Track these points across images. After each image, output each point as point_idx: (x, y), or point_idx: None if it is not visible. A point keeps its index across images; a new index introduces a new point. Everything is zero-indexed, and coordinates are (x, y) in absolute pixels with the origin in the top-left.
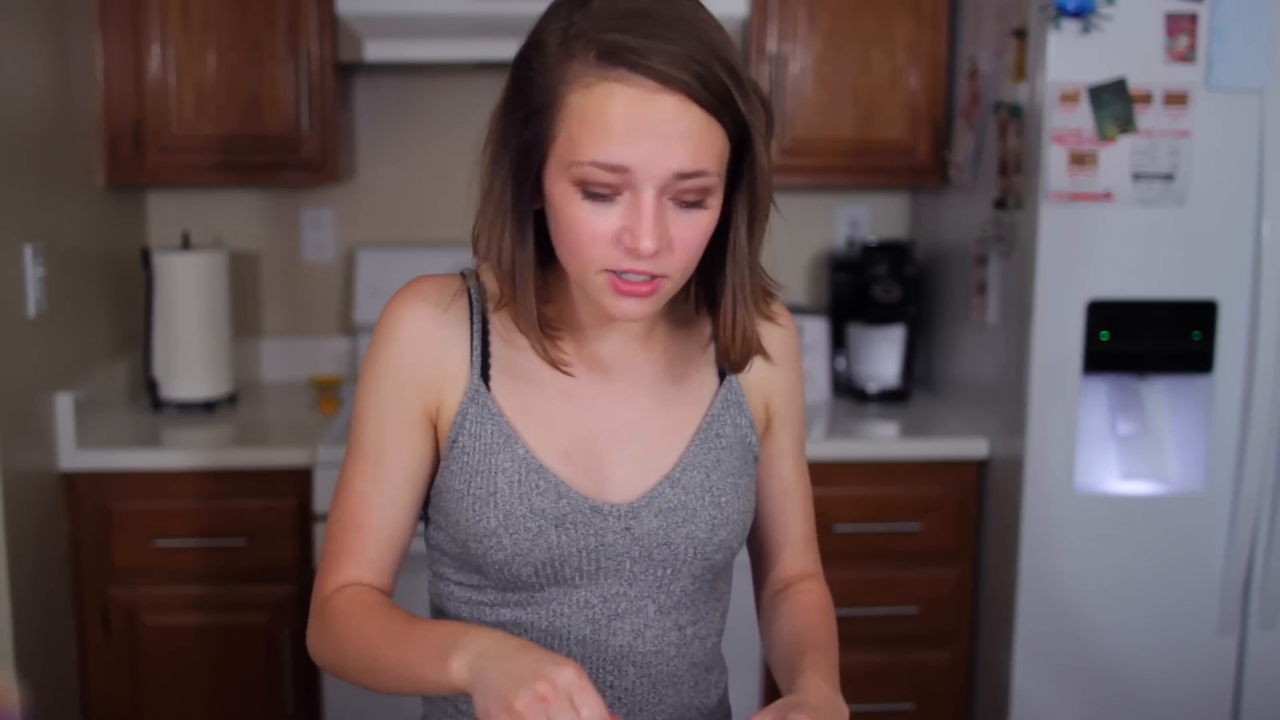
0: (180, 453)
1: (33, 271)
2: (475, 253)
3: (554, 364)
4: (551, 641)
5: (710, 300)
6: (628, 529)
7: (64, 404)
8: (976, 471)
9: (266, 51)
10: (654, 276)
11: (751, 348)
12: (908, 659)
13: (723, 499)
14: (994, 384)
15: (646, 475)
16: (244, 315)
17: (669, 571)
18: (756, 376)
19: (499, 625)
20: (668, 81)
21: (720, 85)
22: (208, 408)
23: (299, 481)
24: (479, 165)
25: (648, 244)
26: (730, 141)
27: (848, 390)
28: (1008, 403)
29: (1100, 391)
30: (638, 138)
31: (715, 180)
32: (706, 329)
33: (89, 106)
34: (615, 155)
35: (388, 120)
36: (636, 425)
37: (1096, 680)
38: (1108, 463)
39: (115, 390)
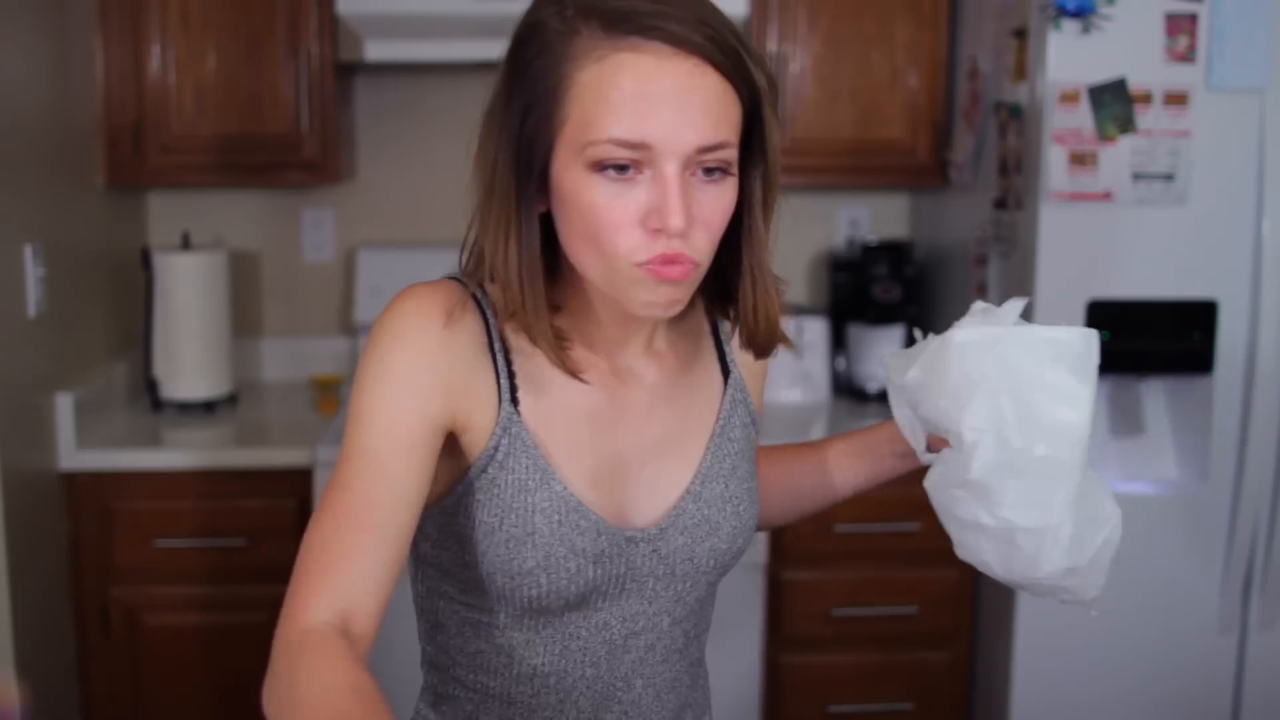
0: (180, 453)
1: (33, 271)
2: (464, 266)
3: (572, 372)
4: (564, 663)
5: (720, 293)
6: (655, 550)
7: (64, 404)
8: None
9: (266, 51)
10: (685, 261)
11: (776, 332)
12: (908, 659)
13: (741, 508)
14: None
15: (667, 492)
16: (244, 315)
17: (688, 585)
18: (752, 371)
19: (508, 646)
20: (682, 44)
21: (732, 48)
22: (208, 408)
23: (299, 481)
24: (474, 171)
25: (676, 221)
26: (743, 110)
27: (848, 390)
28: None
29: (1100, 391)
30: (657, 109)
31: (734, 153)
32: (705, 327)
33: (89, 107)
34: (634, 130)
35: (388, 120)
36: (657, 441)
37: (1096, 680)
38: (1108, 463)
39: (115, 390)
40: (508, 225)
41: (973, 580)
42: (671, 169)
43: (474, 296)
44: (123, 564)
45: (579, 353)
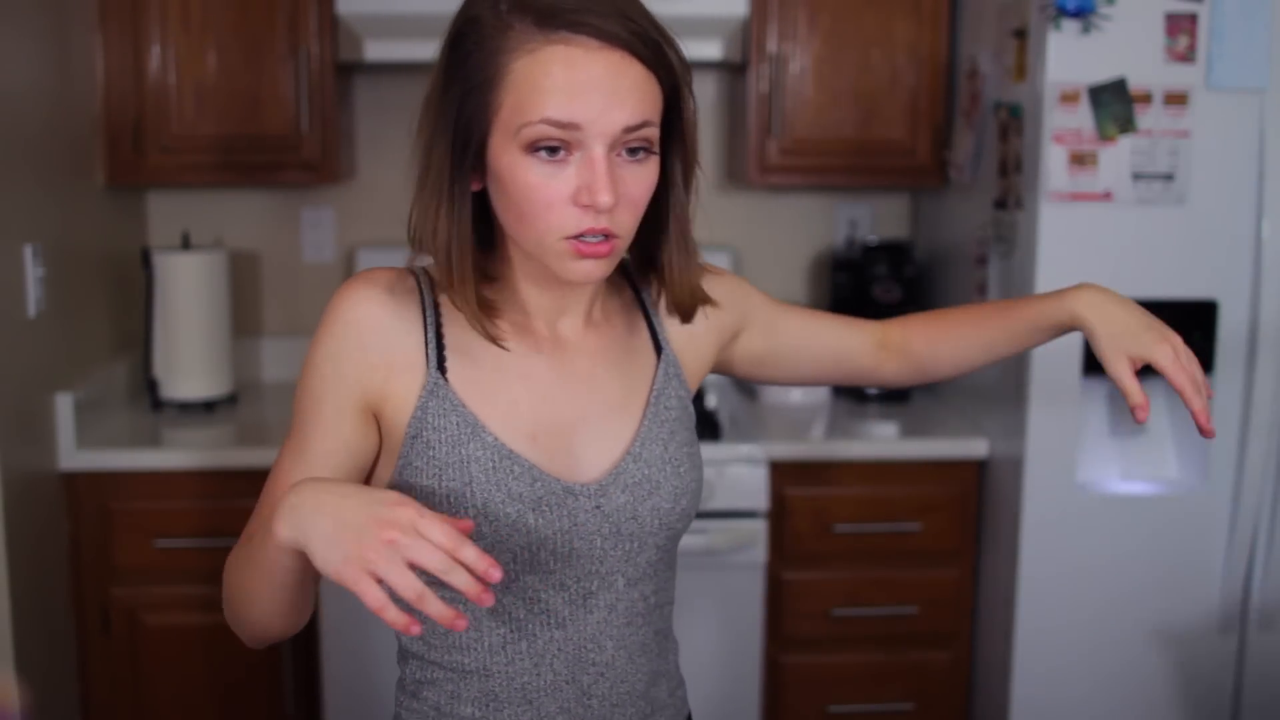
0: (180, 453)
1: (33, 271)
2: (410, 241)
3: (493, 339)
4: (531, 625)
5: (647, 263)
6: (598, 507)
7: (64, 404)
8: (976, 471)
9: (266, 51)
10: (609, 236)
11: (698, 297)
12: (908, 659)
13: (681, 469)
14: (994, 384)
15: (608, 452)
16: (244, 315)
17: (636, 545)
18: (685, 339)
19: (475, 617)
20: (608, 39)
21: (653, 40)
22: (208, 408)
23: None
24: (412, 152)
25: (605, 198)
26: (663, 95)
27: (848, 390)
28: (1008, 403)
29: (1100, 391)
30: (586, 94)
31: (656, 131)
32: (638, 307)
33: (89, 106)
34: (565, 112)
35: (388, 120)
36: (594, 404)
37: (1096, 680)
38: (1108, 463)
39: (115, 390)
40: (439, 201)
41: (973, 580)
42: (599, 150)
43: (415, 277)
44: (123, 564)
45: (516, 319)
